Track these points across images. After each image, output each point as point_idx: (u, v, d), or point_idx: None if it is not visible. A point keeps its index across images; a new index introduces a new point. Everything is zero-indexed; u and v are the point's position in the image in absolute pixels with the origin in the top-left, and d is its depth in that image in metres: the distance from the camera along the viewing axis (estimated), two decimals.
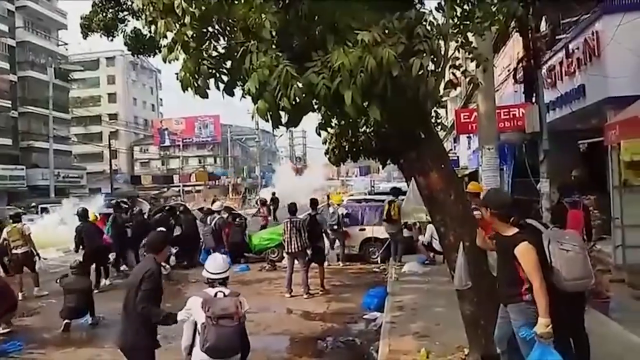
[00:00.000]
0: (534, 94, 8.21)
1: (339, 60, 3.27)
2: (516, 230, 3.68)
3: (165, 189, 49.15)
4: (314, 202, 10.28)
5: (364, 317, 7.52)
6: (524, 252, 3.45)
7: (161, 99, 70.05)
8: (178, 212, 13.55)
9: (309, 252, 9.18)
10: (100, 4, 7.64)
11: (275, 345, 6.61)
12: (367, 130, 7.26)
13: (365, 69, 3.26)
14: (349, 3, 3.75)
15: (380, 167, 13.03)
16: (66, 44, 43.89)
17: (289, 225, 9.10)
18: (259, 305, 8.03)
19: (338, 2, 3.70)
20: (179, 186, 51.94)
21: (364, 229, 12.23)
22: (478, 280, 4.46)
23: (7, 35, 35.27)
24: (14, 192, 33.29)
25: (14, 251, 9.19)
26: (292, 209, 9.52)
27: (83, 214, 10.09)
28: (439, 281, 8.09)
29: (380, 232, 11.73)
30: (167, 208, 14.11)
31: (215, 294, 3.73)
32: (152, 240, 4.40)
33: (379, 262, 11.83)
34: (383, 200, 11.94)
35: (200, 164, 62.79)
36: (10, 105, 35.14)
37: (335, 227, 11.67)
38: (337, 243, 12.00)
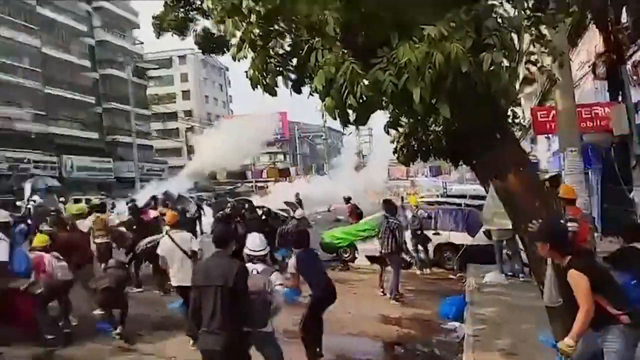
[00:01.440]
0: (620, 92, 7.45)
1: (405, 57, 3.15)
2: (569, 257, 3.57)
3: (239, 185, 50.68)
4: (390, 205, 9.68)
5: (442, 326, 7.27)
6: (572, 278, 3.45)
7: (230, 96, 72.32)
8: (243, 211, 12.71)
9: (406, 257, 8.98)
10: (171, 4, 7.89)
11: (351, 347, 6.57)
12: (437, 129, 7.00)
13: (432, 65, 3.11)
14: None
15: (452, 168, 12.42)
16: (141, 42, 46.37)
17: (385, 225, 8.83)
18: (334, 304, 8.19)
19: None
20: (251, 182, 53.40)
21: (439, 234, 11.67)
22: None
23: (86, 35, 37.84)
24: (103, 183, 35.78)
25: (95, 240, 9.55)
26: (390, 208, 9.19)
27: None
28: (526, 295, 7.31)
29: (457, 237, 11.27)
30: (227, 213, 12.18)
31: (251, 271, 4.10)
32: (219, 233, 4.21)
33: (455, 269, 11.31)
34: (459, 204, 11.43)
35: (270, 160, 64.23)
36: (94, 101, 37.82)
37: (419, 231, 10.99)
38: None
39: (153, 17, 7.56)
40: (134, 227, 9.94)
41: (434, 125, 5.22)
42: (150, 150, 45.83)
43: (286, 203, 14.57)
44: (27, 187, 21.40)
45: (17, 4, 30.42)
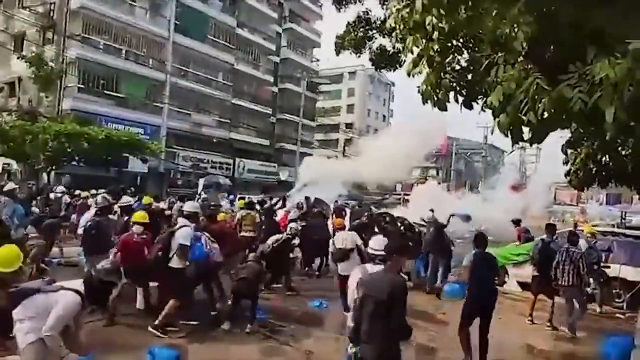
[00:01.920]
0: None
1: (602, 72, 2.92)
2: None
3: (388, 196, 51.16)
4: (551, 227, 9.20)
5: None
6: None
7: (392, 110, 73.34)
8: (383, 223, 12.59)
9: (588, 290, 8.41)
10: (353, 24, 8.53)
11: None
12: (625, 152, 6.23)
13: (636, 83, 2.84)
14: (618, 9, 3.31)
15: (637, 196, 10.79)
16: (318, 60, 50.06)
17: (564, 255, 8.16)
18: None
19: (605, 9, 3.31)
20: (400, 194, 53.42)
21: (608, 267, 10.38)
22: None
23: (273, 53, 42.36)
24: (267, 186, 39.56)
25: (242, 234, 10.57)
26: (573, 239, 8.51)
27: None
28: None
29: (629, 272, 9.84)
30: (364, 222, 11.74)
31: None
32: (390, 246, 4.17)
33: (624, 307, 9.91)
34: (638, 237, 9.96)
35: (423, 174, 63.35)
36: (271, 112, 42.08)
37: (595, 266, 9.54)
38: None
39: (336, 37, 8.20)
40: (262, 226, 11.03)
41: (620, 147, 4.73)
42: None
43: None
44: (200, 183, 24.67)
45: (220, 25, 35.45)
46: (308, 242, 11.11)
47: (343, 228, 8.27)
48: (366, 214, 13.39)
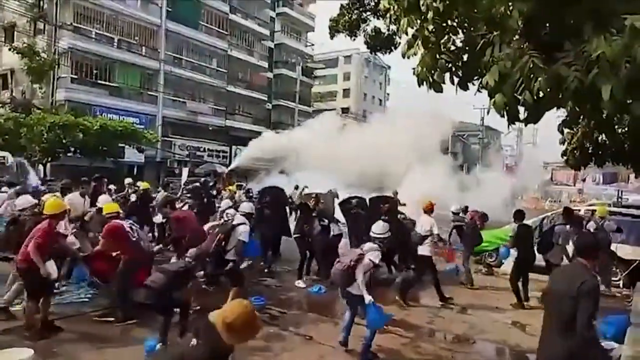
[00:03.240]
0: None
1: (598, 50, 2.89)
2: None
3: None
4: (569, 212, 9.01)
5: None
6: None
7: (388, 94, 72.98)
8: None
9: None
10: (347, 6, 8.43)
11: (488, 353, 6.41)
12: (621, 130, 6.21)
13: (632, 60, 2.80)
14: None
15: (633, 175, 10.75)
16: (312, 44, 49.55)
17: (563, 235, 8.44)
18: (480, 310, 8.09)
19: None
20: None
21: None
22: None
23: (267, 38, 41.90)
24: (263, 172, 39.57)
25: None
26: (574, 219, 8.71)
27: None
28: None
29: (625, 251, 9.90)
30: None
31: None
32: (583, 243, 3.81)
33: (620, 285, 10.03)
34: (636, 216, 9.99)
35: None
36: (266, 99, 41.76)
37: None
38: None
39: (330, 20, 8.11)
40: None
41: (617, 126, 4.71)
42: None
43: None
44: (184, 172, 22.54)
45: (213, 11, 35.01)
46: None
47: (428, 211, 8.59)
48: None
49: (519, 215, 8.61)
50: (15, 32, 26.89)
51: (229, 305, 2.61)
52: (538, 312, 7.85)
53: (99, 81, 27.83)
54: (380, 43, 8.47)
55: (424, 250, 8.22)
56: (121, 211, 7.29)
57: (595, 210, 10.62)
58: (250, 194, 14.30)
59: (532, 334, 6.71)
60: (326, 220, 9.40)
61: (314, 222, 9.42)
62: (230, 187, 15.81)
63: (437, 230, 8.28)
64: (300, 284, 8.96)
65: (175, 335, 5.11)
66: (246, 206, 7.58)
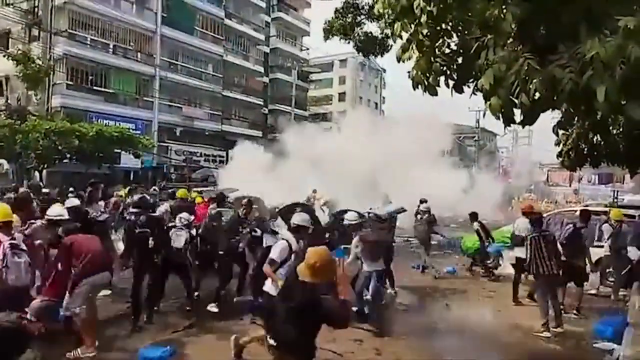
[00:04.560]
0: None
1: (592, 51, 2.90)
2: None
3: None
4: (585, 214, 8.95)
5: (595, 345, 6.57)
6: None
7: (384, 97, 73.07)
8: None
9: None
10: (341, 10, 8.45)
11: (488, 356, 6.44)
12: (616, 131, 6.22)
13: (626, 61, 2.81)
14: None
15: (628, 175, 10.74)
16: (308, 48, 49.59)
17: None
18: (483, 313, 8.21)
19: None
20: None
21: (602, 246, 10.41)
22: None
23: (263, 43, 41.96)
24: None
25: None
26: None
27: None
28: None
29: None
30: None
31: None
32: None
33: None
34: (631, 216, 9.96)
35: None
36: (262, 103, 41.76)
37: (623, 250, 8.66)
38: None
39: (325, 23, 8.12)
40: None
41: (612, 127, 4.72)
42: None
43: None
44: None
45: (208, 16, 34.99)
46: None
47: (529, 213, 8.62)
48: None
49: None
50: (10, 39, 26.80)
51: (310, 252, 3.38)
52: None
53: (95, 87, 27.75)
54: (371, 47, 8.50)
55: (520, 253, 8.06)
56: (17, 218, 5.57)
57: (606, 212, 10.43)
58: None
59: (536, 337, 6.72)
60: (259, 230, 7.67)
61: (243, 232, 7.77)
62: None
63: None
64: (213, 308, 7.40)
65: None
66: (300, 218, 5.90)
